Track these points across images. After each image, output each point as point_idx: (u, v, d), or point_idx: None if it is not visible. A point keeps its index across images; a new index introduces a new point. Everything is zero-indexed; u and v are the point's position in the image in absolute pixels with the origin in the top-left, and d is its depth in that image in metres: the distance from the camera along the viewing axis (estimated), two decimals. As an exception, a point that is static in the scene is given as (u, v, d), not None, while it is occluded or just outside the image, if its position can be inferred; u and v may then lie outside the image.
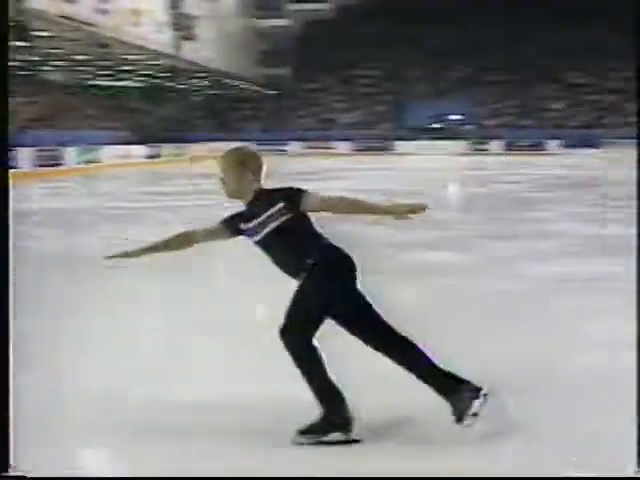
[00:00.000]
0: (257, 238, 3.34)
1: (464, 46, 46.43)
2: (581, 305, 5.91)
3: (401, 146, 40.91)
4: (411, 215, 3.16)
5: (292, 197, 3.28)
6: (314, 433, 3.17)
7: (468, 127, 44.07)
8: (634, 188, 18.82)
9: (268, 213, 3.27)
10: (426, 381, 3.27)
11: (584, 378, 4.07)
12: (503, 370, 3.95)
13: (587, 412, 3.54)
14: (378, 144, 41.61)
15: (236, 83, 42.57)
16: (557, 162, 31.57)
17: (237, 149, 3.45)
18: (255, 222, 3.31)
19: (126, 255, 3.48)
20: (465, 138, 41.60)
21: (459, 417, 3.18)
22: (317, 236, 3.34)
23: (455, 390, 3.21)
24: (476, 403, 3.16)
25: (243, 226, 3.37)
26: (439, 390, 3.25)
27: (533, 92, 45.16)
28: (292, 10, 48.93)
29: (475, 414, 3.16)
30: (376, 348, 3.33)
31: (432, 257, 8.14)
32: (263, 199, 3.32)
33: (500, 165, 29.45)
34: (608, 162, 30.87)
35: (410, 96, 46.36)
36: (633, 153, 30.72)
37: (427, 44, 47.31)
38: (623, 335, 4.82)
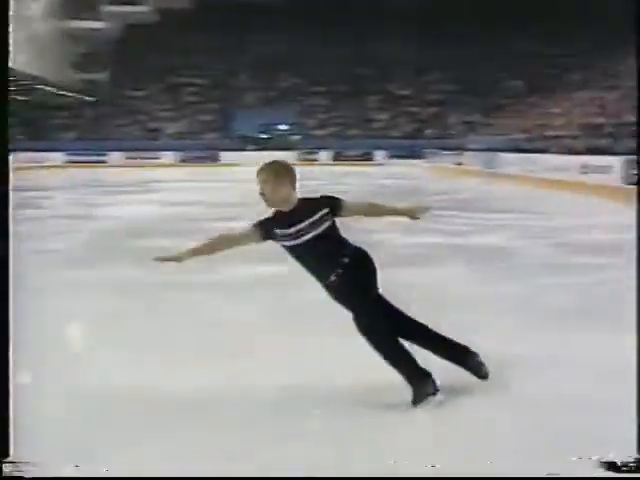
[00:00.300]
0: (294, 243, 3.61)
1: (292, 56, 46.40)
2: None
3: (228, 156, 39.90)
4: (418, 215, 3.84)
5: (333, 204, 3.67)
6: (417, 402, 3.62)
7: (296, 137, 43.93)
8: (454, 197, 19.09)
9: (312, 219, 3.60)
10: (446, 357, 3.81)
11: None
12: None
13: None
14: (205, 154, 40.41)
15: (48, 89, 39.57)
16: (383, 172, 32.08)
17: (274, 162, 3.75)
18: (296, 228, 3.59)
19: (174, 258, 3.69)
20: (293, 148, 41.28)
21: (484, 376, 3.86)
22: (345, 239, 3.73)
23: (468, 357, 3.84)
24: (482, 362, 3.87)
25: (279, 231, 3.62)
26: (459, 361, 3.82)
27: (359, 103, 45.90)
28: (109, 12, 46.26)
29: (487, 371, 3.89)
30: (396, 333, 3.71)
31: (260, 270, 7.46)
32: (303, 207, 3.64)
33: (328, 175, 29.31)
34: (430, 172, 31.81)
35: (237, 105, 45.57)
36: (452, 163, 32.09)
37: (254, 52, 46.82)
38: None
